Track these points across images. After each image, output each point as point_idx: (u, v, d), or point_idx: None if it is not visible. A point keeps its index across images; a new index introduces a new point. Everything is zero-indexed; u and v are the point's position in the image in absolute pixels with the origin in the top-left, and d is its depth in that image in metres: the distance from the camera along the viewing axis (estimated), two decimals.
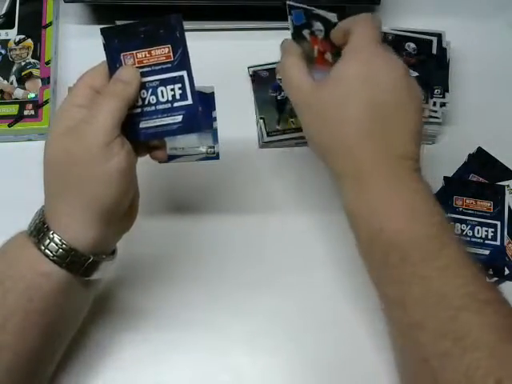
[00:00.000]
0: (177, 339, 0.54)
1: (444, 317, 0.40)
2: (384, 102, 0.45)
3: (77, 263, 0.42)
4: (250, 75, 0.67)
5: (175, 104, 0.45)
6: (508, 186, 0.62)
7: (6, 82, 0.64)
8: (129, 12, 0.69)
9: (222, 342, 0.55)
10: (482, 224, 0.60)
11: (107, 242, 0.46)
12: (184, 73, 0.45)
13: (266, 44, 0.69)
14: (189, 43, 0.70)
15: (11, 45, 0.66)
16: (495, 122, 0.66)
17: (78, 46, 0.69)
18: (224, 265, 0.58)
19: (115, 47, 0.44)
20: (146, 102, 0.45)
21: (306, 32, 0.55)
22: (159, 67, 0.45)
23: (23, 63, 0.65)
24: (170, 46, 0.45)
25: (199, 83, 0.67)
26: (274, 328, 0.55)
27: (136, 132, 0.45)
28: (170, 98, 0.45)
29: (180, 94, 0.45)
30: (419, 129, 0.46)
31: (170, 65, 0.45)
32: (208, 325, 0.55)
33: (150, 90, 0.45)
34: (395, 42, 0.65)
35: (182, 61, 0.45)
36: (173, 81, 0.45)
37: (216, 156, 0.63)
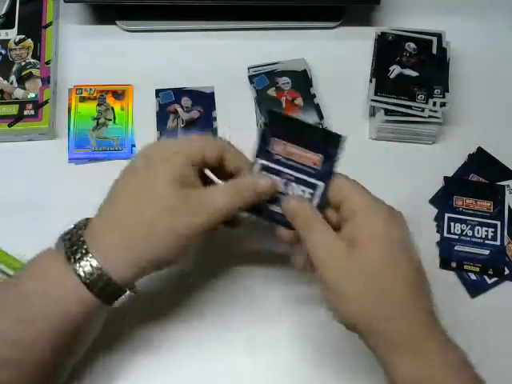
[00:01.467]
0: (175, 338, 0.55)
1: None
2: (416, 259, 0.43)
3: (108, 291, 0.42)
4: (250, 75, 0.67)
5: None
6: (508, 185, 0.61)
7: (6, 82, 0.64)
8: (129, 12, 0.69)
9: (222, 342, 0.55)
10: (482, 224, 0.60)
11: (138, 279, 0.45)
12: (321, 184, 0.46)
13: (265, 44, 0.70)
14: (189, 43, 0.70)
15: (11, 45, 0.66)
16: (495, 121, 0.66)
17: (78, 46, 0.69)
18: (223, 265, 0.58)
19: (273, 131, 0.46)
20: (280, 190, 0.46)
21: (271, 90, 0.65)
22: (302, 167, 0.46)
23: (23, 63, 0.65)
24: (322, 156, 0.46)
25: (199, 83, 0.68)
26: (274, 329, 0.55)
27: (264, 213, 0.47)
28: (302, 193, 0.46)
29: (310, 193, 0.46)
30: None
31: (312, 171, 0.46)
32: (208, 324, 0.55)
33: (284, 181, 0.46)
34: (395, 42, 0.65)
35: (325, 174, 0.46)
36: (307, 184, 0.46)
37: None
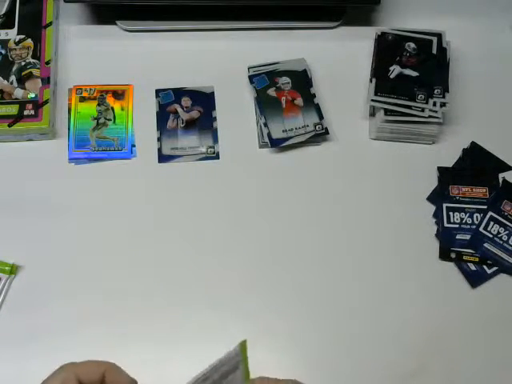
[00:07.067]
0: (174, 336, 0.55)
1: None
2: None
3: None
4: (250, 75, 0.67)
5: None
6: (503, 178, 0.61)
7: (6, 81, 0.64)
8: (129, 12, 0.69)
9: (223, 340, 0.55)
10: (480, 211, 0.59)
11: None
12: None
13: (265, 44, 0.70)
14: (189, 43, 0.70)
15: (11, 45, 0.66)
16: (495, 121, 0.66)
17: (78, 46, 0.69)
18: (223, 265, 0.58)
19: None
20: None
21: (271, 90, 0.65)
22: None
23: (23, 63, 0.65)
24: None
25: (199, 83, 0.68)
26: (274, 328, 0.55)
27: None
28: None
29: None
30: None
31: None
32: (208, 323, 0.55)
33: None
34: (395, 42, 0.65)
35: None
36: None
37: (216, 156, 0.63)
